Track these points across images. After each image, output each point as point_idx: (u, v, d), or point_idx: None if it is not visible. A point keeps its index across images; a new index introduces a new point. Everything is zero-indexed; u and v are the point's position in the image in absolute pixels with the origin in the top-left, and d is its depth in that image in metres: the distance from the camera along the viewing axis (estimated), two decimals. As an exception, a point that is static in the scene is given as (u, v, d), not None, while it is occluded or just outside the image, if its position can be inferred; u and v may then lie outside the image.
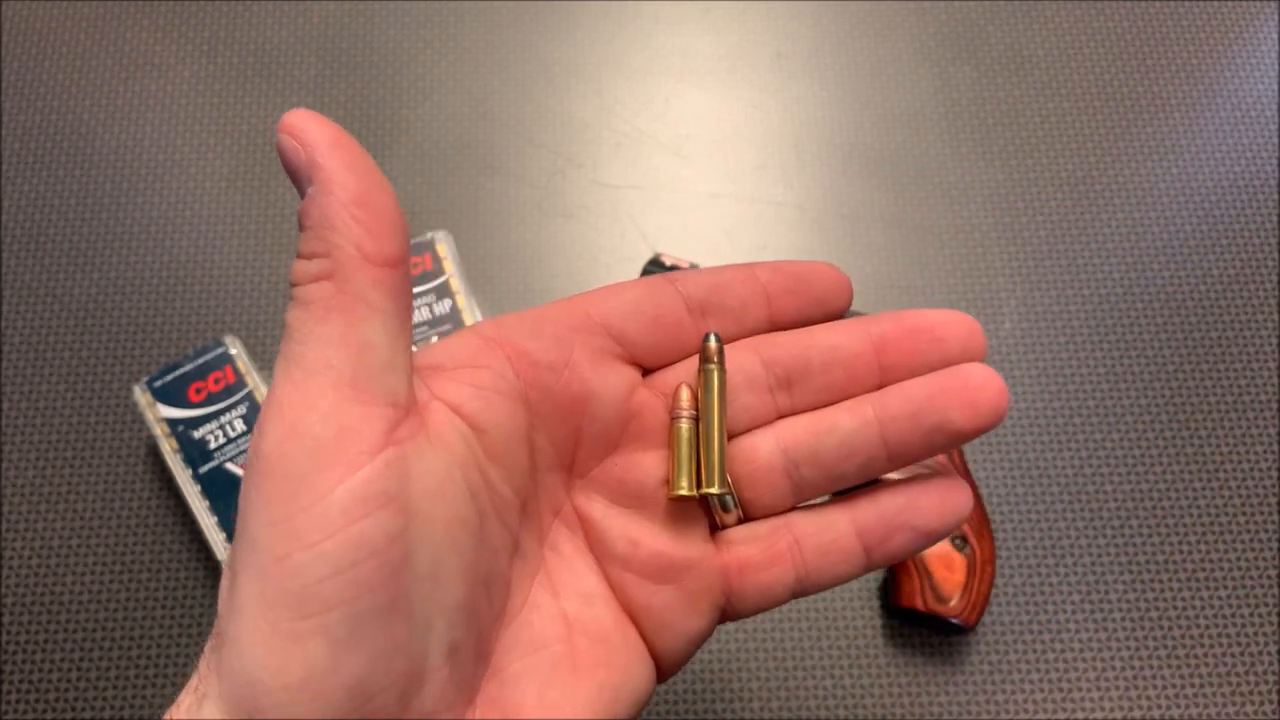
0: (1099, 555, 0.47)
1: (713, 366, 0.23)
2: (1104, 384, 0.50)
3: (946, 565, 0.43)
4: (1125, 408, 0.49)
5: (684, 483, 0.23)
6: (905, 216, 0.53)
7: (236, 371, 0.46)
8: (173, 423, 0.45)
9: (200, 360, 0.46)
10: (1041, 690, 0.44)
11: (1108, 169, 0.55)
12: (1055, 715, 0.44)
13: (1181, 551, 0.47)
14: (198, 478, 0.44)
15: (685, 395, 0.23)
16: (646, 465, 0.24)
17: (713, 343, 0.23)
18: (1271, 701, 0.44)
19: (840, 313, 0.25)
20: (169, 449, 0.44)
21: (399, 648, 0.19)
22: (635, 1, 0.58)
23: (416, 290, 0.48)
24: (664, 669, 0.24)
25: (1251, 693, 0.44)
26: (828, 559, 0.24)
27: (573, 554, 0.24)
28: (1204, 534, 0.47)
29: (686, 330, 0.24)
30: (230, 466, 0.44)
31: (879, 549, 0.24)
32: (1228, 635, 0.45)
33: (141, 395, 0.45)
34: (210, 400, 0.45)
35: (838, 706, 0.44)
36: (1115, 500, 0.48)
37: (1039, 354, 0.50)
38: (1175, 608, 0.46)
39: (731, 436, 0.24)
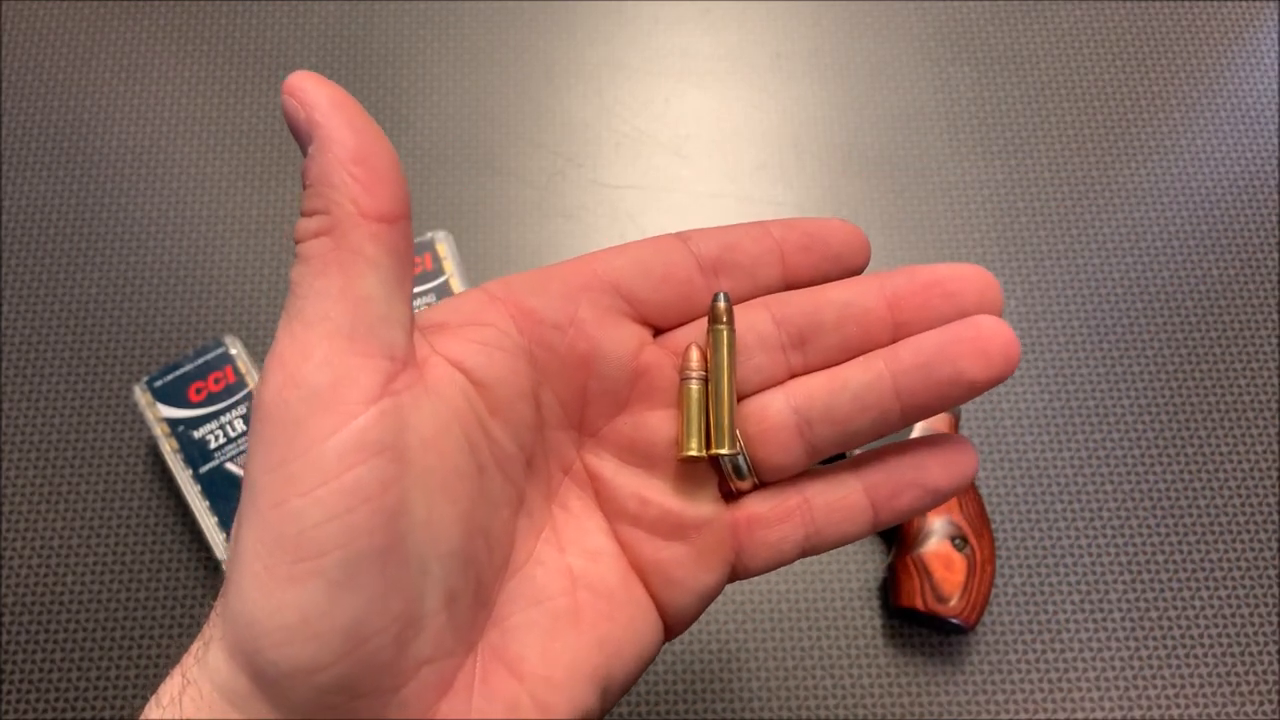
0: (1099, 555, 0.47)
1: (722, 327, 0.23)
2: (1104, 384, 0.50)
3: (946, 565, 0.43)
4: (1125, 408, 0.49)
5: (693, 443, 0.23)
6: (905, 216, 0.53)
7: (236, 371, 0.46)
8: (173, 423, 0.45)
9: (200, 360, 0.46)
10: (1041, 690, 0.44)
11: (1108, 169, 0.55)
12: (1055, 715, 0.44)
13: (1181, 551, 0.47)
14: (198, 478, 0.44)
15: (695, 355, 0.23)
16: (656, 424, 0.24)
17: (721, 302, 0.23)
18: (1271, 701, 0.44)
19: (858, 270, 0.24)
20: (169, 449, 0.44)
21: (394, 590, 0.19)
22: (635, 1, 0.58)
23: (416, 290, 0.48)
24: (673, 626, 0.24)
25: (1251, 693, 0.44)
26: (836, 516, 0.24)
27: (582, 511, 0.24)
28: (1204, 534, 0.47)
29: (698, 289, 0.24)
30: (230, 466, 0.44)
31: (887, 507, 0.24)
32: (1228, 635, 0.45)
33: (141, 395, 0.45)
34: (210, 400, 0.45)
35: (838, 706, 0.44)
36: (1115, 500, 0.48)
37: (1039, 354, 0.50)
38: (1175, 608, 0.46)
39: (743, 396, 0.24)
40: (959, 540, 0.43)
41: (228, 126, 0.55)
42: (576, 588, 0.23)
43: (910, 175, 0.54)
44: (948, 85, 0.56)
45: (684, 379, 0.23)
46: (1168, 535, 0.47)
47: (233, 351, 0.46)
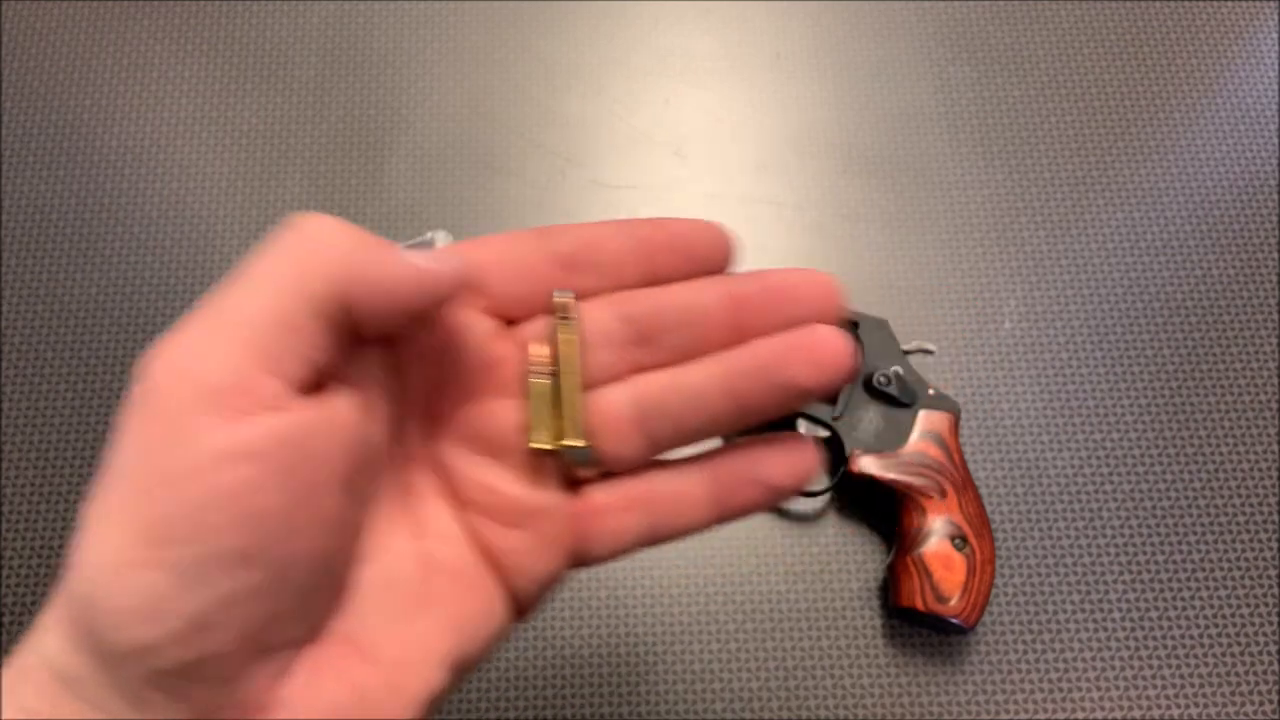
0: (1099, 555, 0.47)
1: (565, 321, 0.24)
2: (1104, 384, 0.50)
3: (946, 565, 0.43)
4: (1125, 408, 0.49)
5: (542, 435, 0.23)
6: (905, 216, 0.53)
7: (236, 371, 0.46)
8: (173, 423, 0.45)
9: (200, 360, 0.46)
10: (1041, 690, 0.44)
11: (1108, 169, 0.55)
12: (1055, 715, 0.44)
13: (1181, 551, 0.47)
14: (198, 478, 0.44)
15: (540, 349, 0.24)
16: (503, 414, 0.24)
17: (563, 298, 0.24)
18: (1271, 701, 0.44)
19: (721, 271, 0.25)
20: (169, 449, 0.44)
21: (247, 592, 0.19)
22: (635, 1, 0.58)
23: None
24: (522, 609, 0.25)
25: (1251, 693, 0.44)
26: (677, 508, 0.24)
27: (432, 498, 0.24)
28: (1204, 534, 0.47)
29: (553, 284, 0.24)
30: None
31: (727, 502, 0.24)
32: (1228, 635, 0.45)
33: (141, 395, 0.45)
34: (210, 400, 0.45)
35: (838, 706, 0.44)
36: (1115, 500, 0.48)
37: (1039, 354, 0.50)
38: (1175, 608, 0.46)
39: (587, 389, 0.24)
40: (959, 540, 0.43)
41: (228, 126, 0.55)
42: (428, 573, 0.23)
43: (910, 175, 0.54)
44: (948, 85, 0.56)
45: (531, 372, 0.24)
46: (1168, 535, 0.47)
47: (233, 351, 0.46)
